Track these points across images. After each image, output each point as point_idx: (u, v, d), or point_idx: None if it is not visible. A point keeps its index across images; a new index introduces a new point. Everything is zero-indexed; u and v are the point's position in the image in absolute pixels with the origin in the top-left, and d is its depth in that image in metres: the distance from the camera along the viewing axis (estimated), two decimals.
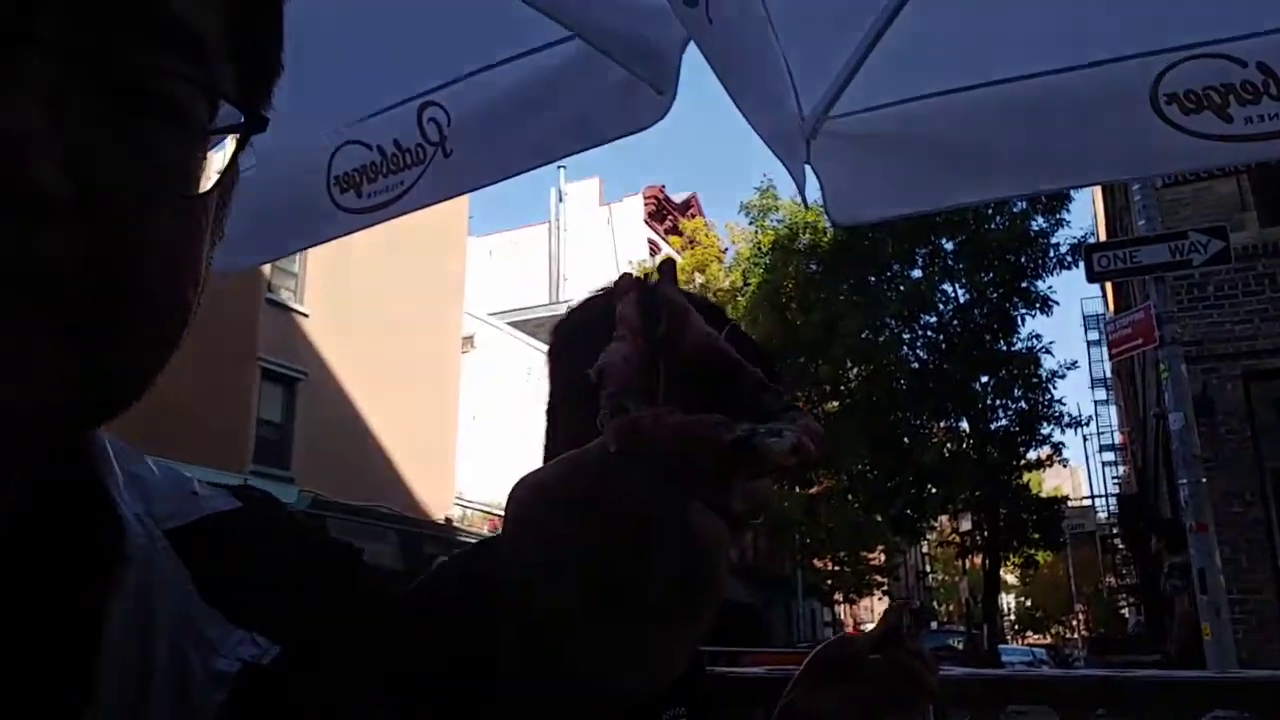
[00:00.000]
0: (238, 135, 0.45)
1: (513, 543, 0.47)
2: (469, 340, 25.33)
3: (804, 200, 2.24)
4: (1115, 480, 44.87)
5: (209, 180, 0.45)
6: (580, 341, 1.09)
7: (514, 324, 28.09)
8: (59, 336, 0.37)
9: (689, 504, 0.44)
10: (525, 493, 0.47)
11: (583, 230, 36.02)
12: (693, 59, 1.69)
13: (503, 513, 0.47)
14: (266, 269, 18.01)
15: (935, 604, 55.99)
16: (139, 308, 0.40)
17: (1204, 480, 7.93)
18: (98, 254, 0.37)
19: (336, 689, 0.49)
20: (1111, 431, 45.51)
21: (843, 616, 47.56)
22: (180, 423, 14.78)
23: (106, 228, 0.38)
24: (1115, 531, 35.91)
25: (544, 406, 1.14)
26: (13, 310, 0.35)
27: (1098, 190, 24.73)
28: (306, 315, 19.68)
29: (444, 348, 23.49)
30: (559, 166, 35.85)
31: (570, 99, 1.87)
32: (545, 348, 1.15)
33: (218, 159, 0.47)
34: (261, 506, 0.56)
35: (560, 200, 36.69)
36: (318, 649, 0.49)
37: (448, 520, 22.40)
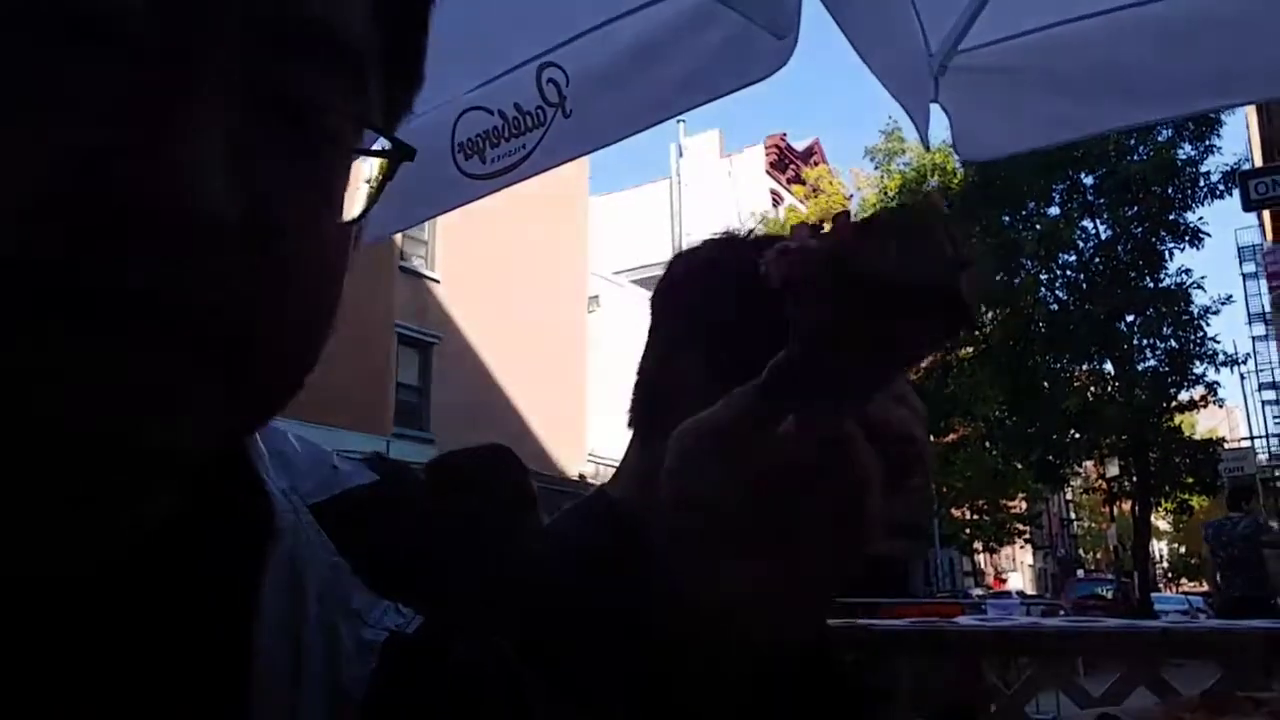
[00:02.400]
0: (384, 160, 0.46)
1: (673, 484, 0.49)
2: (594, 299, 25.59)
3: (925, 142, 2.16)
4: (1277, 420, 42.24)
5: (354, 202, 0.45)
6: (698, 288, 1.08)
7: (637, 281, 28.23)
8: (216, 369, 0.37)
9: (853, 440, 0.46)
10: (687, 436, 0.49)
11: (703, 184, 35.72)
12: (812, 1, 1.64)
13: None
14: (398, 238, 18.53)
15: (1081, 551, 54.15)
16: (290, 333, 0.40)
17: None
18: (259, 283, 0.38)
19: (479, 656, 0.50)
20: (1272, 369, 42.67)
21: (983, 565, 46.51)
22: (326, 391, 15.36)
23: (269, 257, 0.38)
24: (1278, 475, 33.87)
25: (649, 355, 1.11)
26: (173, 352, 0.35)
27: (1251, 115, 23.08)
28: (438, 281, 20.21)
29: (570, 307, 23.79)
30: (678, 121, 35.48)
31: (689, 51, 1.84)
32: None
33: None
34: (397, 478, 0.57)
35: (680, 155, 36.44)
36: (458, 618, 0.50)
37: (581, 476, 22.81)
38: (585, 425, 23.74)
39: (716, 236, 1.14)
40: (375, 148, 0.45)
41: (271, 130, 0.38)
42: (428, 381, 19.91)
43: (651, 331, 1.13)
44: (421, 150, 1.89)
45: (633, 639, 0.50)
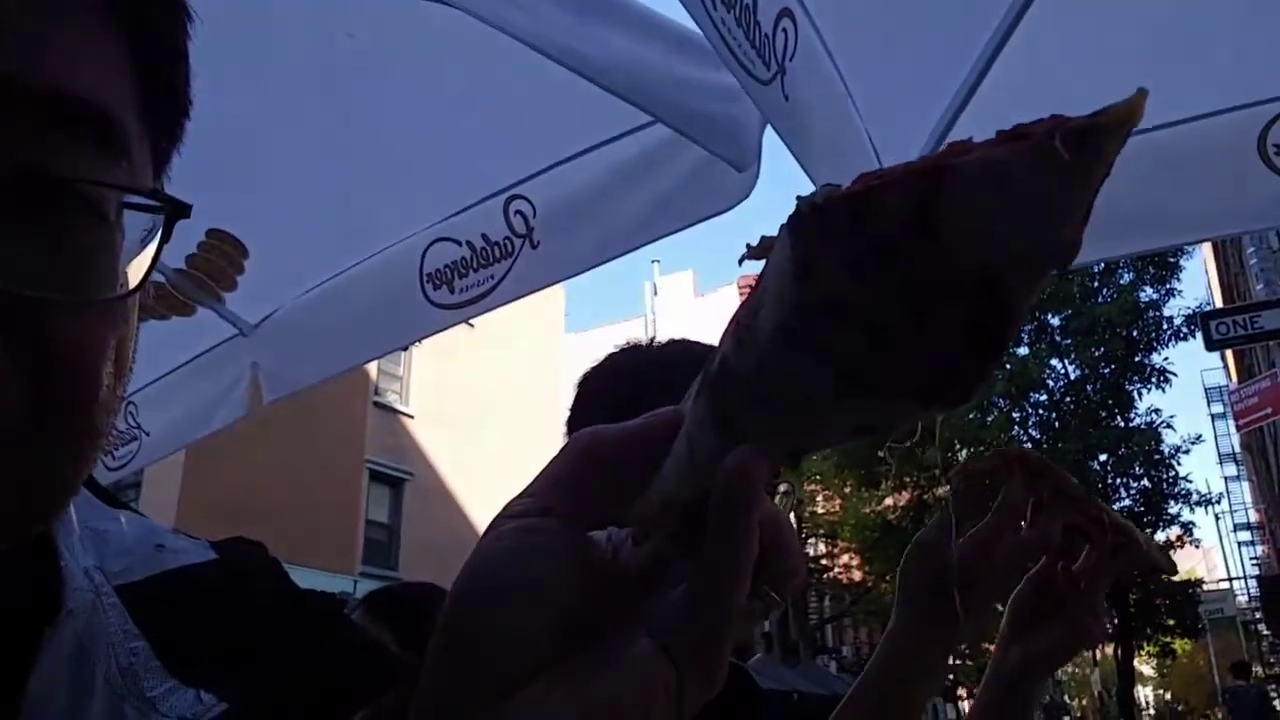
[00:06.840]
0: (160, 215, 0.42)
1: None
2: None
3: None
4: (1254, 561, 42.07)
5: (131, 271, 0.41)
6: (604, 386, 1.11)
7: None
8: None
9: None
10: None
11: (678, 323, 36.25)
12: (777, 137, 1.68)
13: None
14: (372, 372, 18.55)
15: (1066, 698, 52.93)
16: (70, 416, 0.38)
17: None
18: (27, 368, 0.35)
19: None
20: (1245, 509, 42.89)
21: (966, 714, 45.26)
22: (293, 526, 15.12)
23: (33, 339, 0.35)
24: (1258, 617, 33.60)
25: None
26: None
27: (1209, 259, 23.93)
28: (411, 416, 20.12)
29: (543, 444, 23.65)
30: (653, 260, 36.42)
31: (653, 183, 1.88)
32: None
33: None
34: (241, 560, 0.55)
35: (655, 294, 37.11)
36: (279, 705, 0.48)
37: None
38: None
39: (619, 348, 1.17)
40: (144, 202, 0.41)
41: (14, 199, 0.35)
42: (398, 518, 19.58)
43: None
44: (390, 282, 1.91)
45: None
